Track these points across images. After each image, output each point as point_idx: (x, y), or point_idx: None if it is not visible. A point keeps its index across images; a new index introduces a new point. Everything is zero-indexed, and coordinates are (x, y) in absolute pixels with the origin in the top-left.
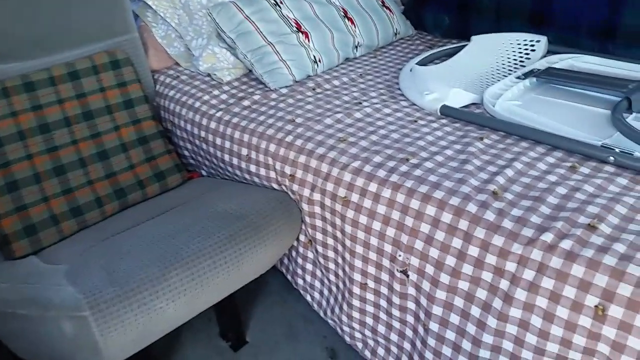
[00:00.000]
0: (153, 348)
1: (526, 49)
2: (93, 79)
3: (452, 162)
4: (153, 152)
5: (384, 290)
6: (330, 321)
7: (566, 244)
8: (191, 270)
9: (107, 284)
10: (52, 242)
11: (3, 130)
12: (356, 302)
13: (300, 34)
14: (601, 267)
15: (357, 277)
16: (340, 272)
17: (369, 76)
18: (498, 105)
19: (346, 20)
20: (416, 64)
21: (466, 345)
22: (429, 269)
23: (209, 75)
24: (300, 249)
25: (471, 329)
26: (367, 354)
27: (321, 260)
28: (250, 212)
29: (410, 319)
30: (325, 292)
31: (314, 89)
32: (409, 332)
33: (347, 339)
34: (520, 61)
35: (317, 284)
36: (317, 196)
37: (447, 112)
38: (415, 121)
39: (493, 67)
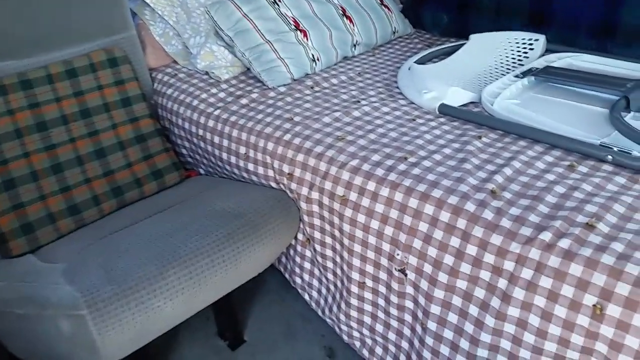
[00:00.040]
0: (150, 347)
1: (525, 48)
2: (90, 77)
3: (450, 161)
4: (151, 151)
5: (382, 289)
6: (328, 320)
7: (564, 243)
8: (189, 268)
9: (105, 283)
10: (50, 240)
11: (0, 129)
12: (354, 301)
13: (298, 32)
14: (599, 266)
15: (355, 275)
16: (339, 271)
17: (367, 75)
18: (496, 104)
19: (345, 18)
20: (414, 62)
21: (464, 344)
22: (427, 268)
23: (206, 73)
24: (299, 248)
25: (469, 328)
26: (365, 352)
27: (319, 258)
28: (248, 210)
29: (408, 317)
30: (323, 290)
31: (312, 88)
32: (407, 331)
33: (345, 337)
34: (519, 60)
35: (315, 282)
36: (315, 195)
37: (445, 110)
38: (414, 120)
39: (491, 65)
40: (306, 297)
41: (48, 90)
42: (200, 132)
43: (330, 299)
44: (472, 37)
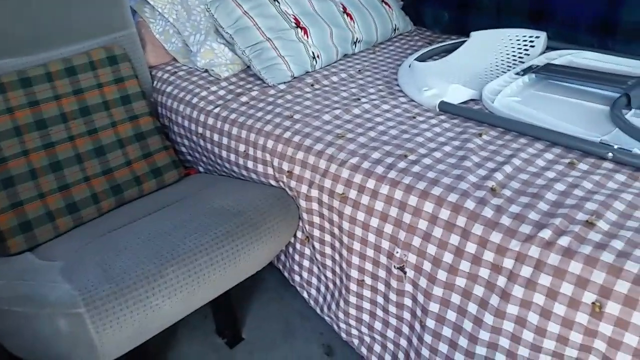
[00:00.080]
0: (149, 345)
1: (525, 45)
2: (90, 75)
3: (450, 159)
4: (150, 149)
5: (381, 287)
6: (326, 318)
7: (564, 241)
8: (188, 267)
9: (103, 281)
10: (48, 238)
11: None
12: (353, 299)
13: (298, 29)
14: (599, 263)
15: (354, 273)
16: (338, 269)
17: (367, 72)
18: (497, 102)
19: (345, 16)
20: (415, 60)
21: (462, 341)
22: (427, 266)
23: (206, 71)
24: (298, 246)
25: (468, 325)
26: (364, 350)
27: (318, 257)
28: (248, 208)
29: (407, 315)
30: (322, 288)
31: (312, 85)
32: (405, 329)
33: (344, 335)
34: (520, 57)
35: (314, 280)
36: (314, 193)
37: (445, 108)
38: (414, 117)
39: (492, 63)
40: (305, 294)
41: (47, 88)
42: (200, 130)
43: (329, 297)
44: (473, 34)
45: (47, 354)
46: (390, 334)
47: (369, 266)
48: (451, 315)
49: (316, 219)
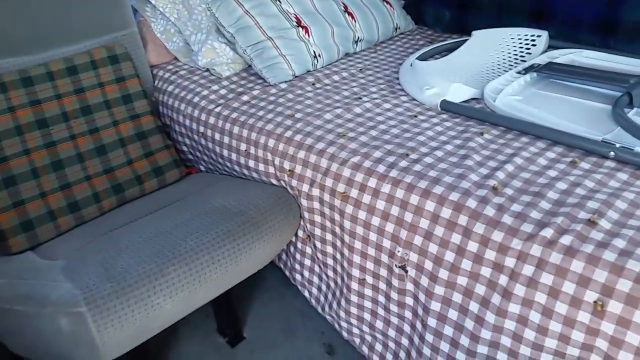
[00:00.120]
0: (150, 344)
1: (527, 44)
2: (91, 74)
3: (452, 158)
4: (151, 148)
5: (382, 286)
6: (328, 317)
7: (566, 240)
8: (189, 265)
9: (105, 280)
10: (49, 237)
11: (0, 126)
12: (354, 298)
13: (300, 28)
14: (601, 262)
15: (356, 272)
16: (339, 268)
17: (369, 71)
18: (499, 100)
19: (346, 15)
20: (416, 58)
21: (464, 340)
22: (428, 265)
23: (208, 70)
24: (299, 245)
25: (469, 324)
26: (365, 349)
27: (319, 255)
28: (249, 207)
29: (408, 314)
30: (324, 287)
31: (313, 84)
32: (406, 328)
33: (345, 334)
34: (521, 56)
35: (315, 279)
36: (316, 191)
37: (447, 107)
38: (415, 116)
39: (494, 62)
40: (306, 294)
41: (49, 87)
42: (201, 129)
43: (330, 296)
44: (475, 33)
45: (49, 353)
46: (391, 332)
47: (370, 265)
48: (453, 314)
49: (317, 218)
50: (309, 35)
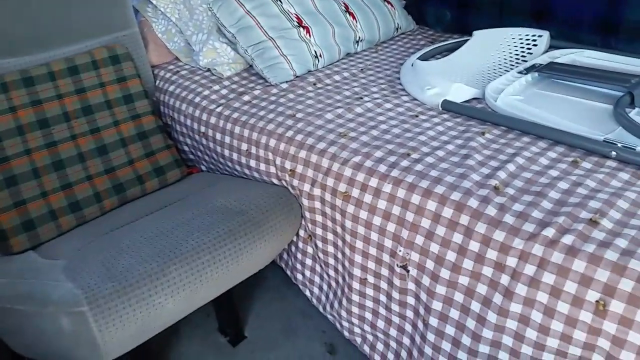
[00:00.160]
0: (151, 343)
1: (528, 44)
2: (93, 74)
3: (453, 157)
4: (152, 147)
5: (383, 285)
6: (329, 316)
7: (567, 239)
8: (190, 265)
9: (106, 280)
10: (51, 237)
11: (2, 125)
12: (355, 297)
13: (301, 28)
14: (602, 262)
15: (357, 272)
16: (340, 267)
17: (370, 71)
18: (500, 100)
19: (347, 14)
20: (417, 58)
21: (466, 340)
22: (429, 264)
23: (209, 70)
24: (300, 244)
25: (471, 324)
26: (366, 348)
27: (321, 255)
28: (250, 207)
29: (409, 314)
30: (325, 287)
31: (314, 84)
32: (408, 327)
33: (346, 334)
34: (522, 56)
35: (317, 279)
36: (317, 191)
37: (448, 107)
38: (417, 116)
39: (495, 62)
40: (307, 293)
41: (50, 87)
42: (202, 128)
43: (331, 296)
44: (476, 33)
45: (50, 353)
46: (393, 332)
47: (371, 264)
48: (454, 314)
49: (318, 218)
50: (310, 35)
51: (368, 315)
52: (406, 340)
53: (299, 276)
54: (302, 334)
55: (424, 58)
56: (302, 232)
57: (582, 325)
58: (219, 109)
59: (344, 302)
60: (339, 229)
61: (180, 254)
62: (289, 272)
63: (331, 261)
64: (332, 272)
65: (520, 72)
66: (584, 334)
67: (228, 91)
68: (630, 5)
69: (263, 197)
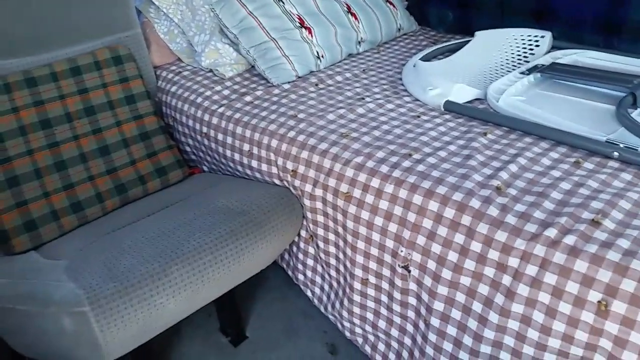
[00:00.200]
0: (153, 343)
1: (530, 45)
2: (95, 75)
3: (455, 158)
4: (154, 148)
5: (385, 285)
6: (330, 316)
7: (570, 240)
8: (192, 265)
9: (107, 280)
10: (53, 237)
11: (4, 126)
12: (357, 298)
13: (303, 29)
14: (604, 262)
15: (358, 272)
16: (342, 268)
17: (372, 72)
18: (502, 101)
19: (349, 15)
20: (420, 59)
21: (467, 340)
22: (431, 265)
23: (211, 70)
24: (302, 245)
25: (472, 324)
26: (368, 349)
27: (322, 255)
28: (252, 207)
29: (411, 314)
30: (326, 287)
31: (316, 85)
32: (409, 328)
33: (348, 334)
34: (525, 57)
35: (318, 279)
36: (319, 192)
37: (450, 107)
38: (419, 117)
39: (497, 62)
40: (309, 293)
41: (52, 87)
42: (204, 129)
43: (332, 296)
44: (478, 34)
45: (51, 353)
46: (394, 332)
47: (373, 265)
48: (456, 314)
49: (320, 218)
50: (312, 36)
51: (369, 316)
52: (407, 341)
53: (301, 276)
54: (303, 334)
55: (426, 59)
56: (303, 233)
57: (584, 326)
58: (221, 110)
59: (346, 302)
60: (340, 230)
61: (182, 254)
62: (290, 273)
63: (333, 261)
64: (333, 273)
65: (522, 73)
66: (585, 335)
67: (230, 92)
68: (633, 5)
69: (265, 197)
